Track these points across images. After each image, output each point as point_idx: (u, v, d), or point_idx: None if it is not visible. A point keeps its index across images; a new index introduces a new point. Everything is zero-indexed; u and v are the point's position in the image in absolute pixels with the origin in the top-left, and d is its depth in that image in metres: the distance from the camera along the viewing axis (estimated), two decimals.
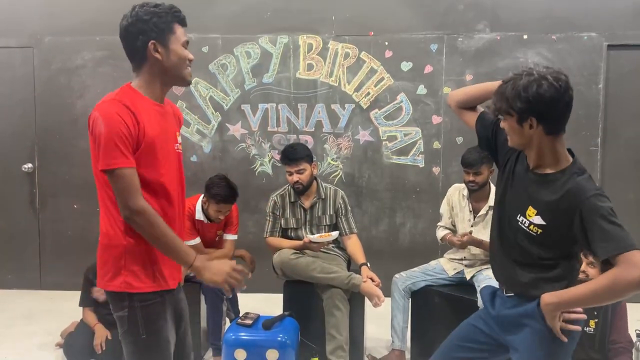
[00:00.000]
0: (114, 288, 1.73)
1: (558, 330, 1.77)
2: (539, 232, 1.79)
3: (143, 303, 1.72)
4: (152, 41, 1.72)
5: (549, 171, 1.81)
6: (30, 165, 4.71)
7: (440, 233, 3.39)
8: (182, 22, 1.79)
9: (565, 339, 1.78)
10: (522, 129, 1.75)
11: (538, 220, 1.79)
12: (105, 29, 4.51)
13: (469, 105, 2.16)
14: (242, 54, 4.55)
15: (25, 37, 4.64)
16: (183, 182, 1.91)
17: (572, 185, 1.73)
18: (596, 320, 2.72)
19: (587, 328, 2.72)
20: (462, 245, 3.15)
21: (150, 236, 1.66)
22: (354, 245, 3.34)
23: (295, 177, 3.23)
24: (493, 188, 3.21)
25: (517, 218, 1.85)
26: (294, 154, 3.24)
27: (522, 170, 1.88)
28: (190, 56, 1.80)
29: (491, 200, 3.18)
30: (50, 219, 4.71)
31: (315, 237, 3.14)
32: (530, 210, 1.81)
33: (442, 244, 3.46)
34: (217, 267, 1.75)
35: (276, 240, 3.33)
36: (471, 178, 3.15)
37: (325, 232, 3.32)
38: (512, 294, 1.92)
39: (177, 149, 1.89)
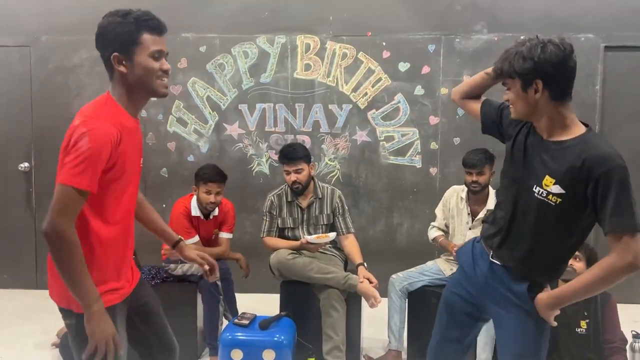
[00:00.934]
0: (62, 304, 1.69)
1: (551, 320, 1.82)
2: (558, 202, 1.73)
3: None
4: (114, 54, 1.64)
5: (564, 138, 1.75)
6: (26, 164, 4.70)
7: (433, 233, 3.40)
8: (154, 30, 1.66)
9: (556, 324, 1.85)
10: (527, 94, 1.72)
11: (557, 189, 1.72)
12: None
13: (472, 94, 2.14)
14: (240, 53, 4.55)
15: (22, 35, 4.63)
16: (136, 194, 1.85)
17: (594, 152, 1.67)
18: (587, 320, 2.73)
19: (579, 329, 2.72)
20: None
21: (64, 259, 1.55)
22: (351, 246, 3.34)
23: (293, 177, 3.23)
24: (492, 192, 3.22)
25: (533, 189, 1.78)
26: (292, 154, 3.25)
27: (535, 142, 1.83)
28: (165, 66, 1.68)
29: (489, 204, 3.19)
30: None
31: (313, 238, 3.14)
32: (548, 180, 1.74)
33: (436, 245, 3.45)
34: (103, 327, 1.61)
35: (273, 240, 3.33)
36: (474, 178, 3.15)
37: (322, 231, 3.32)
38: (507, 266, 1.89)
39: (141, 164, 1.85)
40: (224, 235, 3.47)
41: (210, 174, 3.34)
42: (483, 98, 2.12)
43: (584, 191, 1.69)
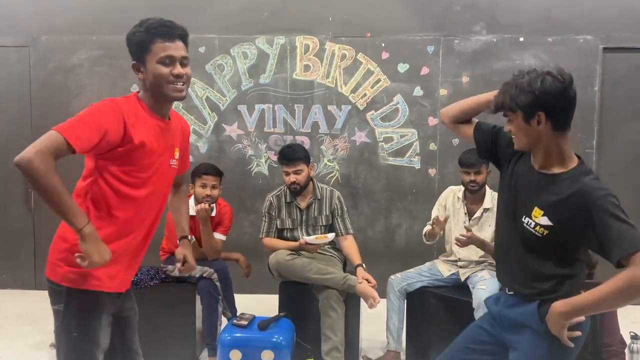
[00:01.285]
0: (55, 278, 1.74)
1: (565, 339, 1.73)
2: (545, 233, 1.75)
3: (80, 300, 1.72)
4: (133, 62, 1.76)
5: (555, 171, 1.77)
6: None
7: (424, 229, 3.35)
8: (165, 36, 1.71)
9: (572, 345, 1.74)
10: (530, 126, 1.73)
11: (545, 221, 1.75)
12: (102, 28, 4.52)
13: (463, 119, 2.13)
14: (239, 54, 4.55)
15: (22, 36, 4.63)
16: (166, 197, 1.92)
17: (580, 186, 1.69)
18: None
19: None
20: (465, 243, 2.99)
21: (39, 190, 1.56)
22: (349, 246, 3.34)
23: (292, 178, 3.23)
24: (488, 190, 3.23)
25: (522, 219, 1.81)
26: (292, 154, 3.24)
27: (525, 171, 1.85)
28: (176, 70, 1.73)
29: (486, 203, 3.20)
30: (45, 218, 4.69)
31: (311, 239, 3.14)
32: (536, 211, 1.77)
33: (429, 243, 3.39)
34: (99, 247, 1.63)
35: (272, 241, 3.33)
36: (472, 178, 3.15)
37: (321, 232, 3.32)
38: (513, 293, 1.90)
39: (173, 164, 1.89)
40: (218, 236, 3.47)
41: (205, 167, 3.39)
42: (475, 120, 2.11)
43: (575, 226, 1.70)
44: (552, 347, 1.77)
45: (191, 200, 3.38)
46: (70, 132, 1.57)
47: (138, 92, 1.81)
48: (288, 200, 3.33)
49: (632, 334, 2.79)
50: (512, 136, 1.81)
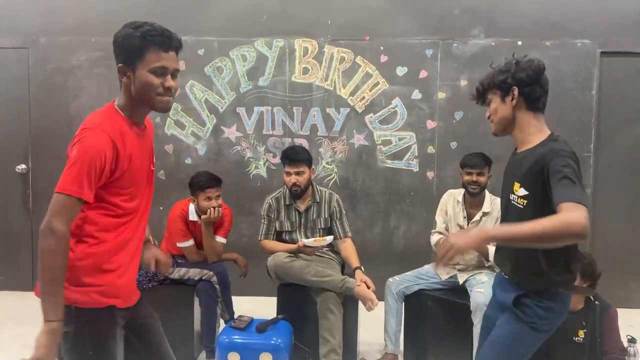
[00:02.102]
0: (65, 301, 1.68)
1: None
2: (524, 204, 1.88)
3: (91, 318, 1.67)
4: (119, 64, 1.68)
5: (531, 146, 1.93)
6: (24, 166, 4.70)
7: (434, 238, 3.38)
8: (161, 46, 1.65)
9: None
10: (505, 104, 1.93)
11: (522, 192, 1.89)
12: (100, 30, 4.52)
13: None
14: (238, 56, 4.56)
15: (21, 37, 4.64)
16: (151, 197, 1.87)
17: (545, 150, 1.84)
18: (585, 330, 2.73)
19: (577, 338, 2.73)
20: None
21: (45, 264, 1.56)
22: (348, 249, 3.35)
23: (294, 179, 3.23)
24: (488, 195, 3.24)
25: (510, 199, 1.96)
26: (295, 155, 3.26)
27: (511, 158, 2.05)
28: (167, 83, 1.67)
29: (485, 207, 3.20)
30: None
31: (310, 241, 3.15)
32: (516, 186, 1.92)
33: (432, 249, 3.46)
34: (54, 346, 1.57)
35: (270, 243, 3.33)
36: (474, 178, 3.17)
37: (319, 235, 3.33)
38: (507, 277, 2.03)
39: (153, 168, 1.87)
40: (219, 239, 3.47)
41: (206, 181, 3.32)
42: None
43: (542, 187, 1.82)
44: (520, 331, 1.92)
45: (191, 206, 3.39)
46: (70, 188, 1.57)
47: (114, 100, 1.75)
48: (287, 202, 3.34)
49: (629, 337, 2.79)
50: (491, 122, 2.01)
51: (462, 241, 1.71)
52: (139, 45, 1.63)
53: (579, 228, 1.59)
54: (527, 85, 1.90)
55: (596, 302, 2.75)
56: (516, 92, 1.90)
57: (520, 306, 1.93)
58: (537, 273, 1.90)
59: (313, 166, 3.39)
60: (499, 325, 2.00)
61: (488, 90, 1.98)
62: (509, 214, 1.98)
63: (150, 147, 1.86)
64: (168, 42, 1.66)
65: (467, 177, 3.21)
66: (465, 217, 3.27)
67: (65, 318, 1.63)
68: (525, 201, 1.88)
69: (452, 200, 3.36)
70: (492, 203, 3.19)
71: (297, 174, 3.24)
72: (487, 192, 3.24)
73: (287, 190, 3.33)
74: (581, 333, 2.72)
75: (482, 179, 3.17)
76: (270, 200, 3.37)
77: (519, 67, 1.91)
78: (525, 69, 1.91)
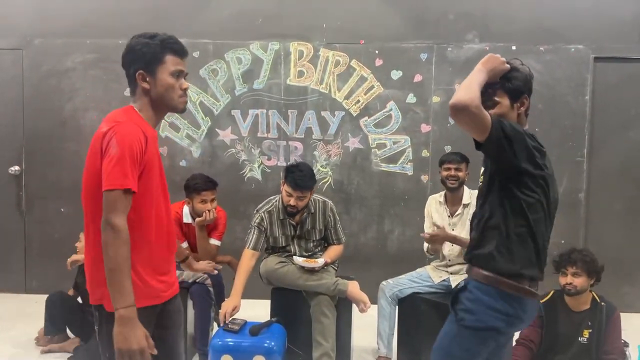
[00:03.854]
0: (93, 301, 1.75)
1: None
2: (481, 179, 1.91)
3: (111, 321, 1.66)
4: (139, 71, 1.76)
5: None
6: (17, 167, 4.67)
7: (426, 244, 3.40)
8: (177, 52, 1.80)
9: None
10: (513, 110, 1.88)
11: (482, 171, 1.93)
12: (96, 32, 4.51)
13: None
14: (233, 59, 4.56)
15: (15, 38, 4.62)
16: (166, 188, 1.92)
17: None
18: (590, 330, 2.74)
19: (581, 338, 2.74)
20: (434, 240, 3.10)
21: (109, 256, 1.61)
22: (331, 248, 3.33)
23: (294, 202, 3.10)
24: (466, 189, 3.35)
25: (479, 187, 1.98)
26: (303, 183, 3.08)
27: None
28: (184, 85, 1.82)
29: (465, 199, 3.32)
30: (36, 222, 4.67)
31: (301, 261, 3.12)
32: (482, 171, 1.94)
33: (432, 257, 3.47)
34: (132, 333, 1.60)
35: (244, 262, 3.14)
36: (452, 173, 3.27)
37: (313, 245, 3.30)
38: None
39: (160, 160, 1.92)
40: (213, 241, 3.46)
41: (202, 183, 3.33)
42: None
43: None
44: (453, 329, 1.89)
45: (185, 208, 3.39)
46: (115, 182, 1.63)
47: (132, 105, 1.82)
48: (281, 217, 3.22)
49: (622, 341, 2.81)
50: None
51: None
52: (159, 51, 1.77)
53: (460, 106, 1.67)
54: (530, 95, 1.91)
55: (602, 304, 2.77)
56: (527, 101, 1.88)
57: (455, 304, 1.90)
58: (482, 256, 1.85)
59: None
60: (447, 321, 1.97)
61: (498, 90, 1.86)
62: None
63: (159, 152, 1.92)
64: (183, 49, 1.83)
65: (445, 173, 3.31)
66: (449, 216, 3.33)
67: (95, 315, 1.71)
68: (482, 176, 1.92)
69: (434, 203, 3.45)
70: (471, 196, 3.30)
71: (299, 198, 3.11)
72: (465, 187, 3.34)
73: (280, 203, 3.21)
74: (586, 333, 2.74)
75: (460, 174, 3.28)
76: (263, 214, 3.21)
77: (530, 77, 1.89)
78: (530, 79, 1.90)
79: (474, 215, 1.96)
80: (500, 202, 1.82)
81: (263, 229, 3.21)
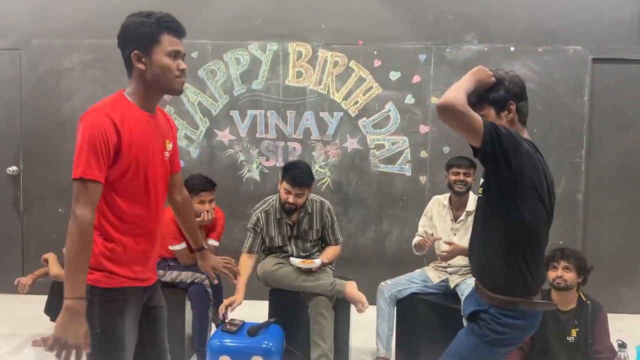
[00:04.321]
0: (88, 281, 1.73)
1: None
2: (481, 192, 1.94)
3: (103, 297, 1.72)
4: (134, 51, 1.72)
5: None
6: (15, 167, 4.67)
7: (414, 242, 3.41)
8: (174, 32, 1.75)
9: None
10: (501, 118, 1.88)
11: (482, 182, 1.95)
12: (94, 32, 4.51)
13: None
14: (232, 60, 4.56)
15: (13, 38, 4.61)
16: (166, 188, 1.91)
17: None
18: (577, 329, 2.75)
19: (570, 337, 2.75)
20: (448, 257, 3.13)
21: (67, 245, 1.61)
22: (329, 249, 3.33)
23: (292, 199, 3.12)
24: (472, 195, 3.30)
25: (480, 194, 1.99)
26: (302, 180, 3.11)
27: None
28: (182, 65, 1.77)
29: (469, 206, 3.26)
30: (34, 222, 4.66)
31: (297, 262, 3.13)
32: (482, 183, 1.96)
33: (419, 254, 3.46)
34: (74, 325, 1.58)
35: (245, 265, 3.20)
36: (461, 178, 3.24)
37: (310, 245, 3.30)
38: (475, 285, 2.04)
39: (166, 157, 1.88)
40: (212, 242, 3.46)
41: (200, 184, 3.32)
42: None
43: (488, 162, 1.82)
44: (473, 341, 1.90)
45: None
46: (81, 171, 1.62)
47: (123, 89, 1.79)
48: (278, 216, 3.23)
49: (619, 342, 2.80)
50: None
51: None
52: (155, 30, 1.71)
53: (447, 105, 1.71)
54: (520, 100, 1.89)
55: (588, 302, 2.78)
56: (514, 107, 1.87)
57: (476, 320, 1.91)
58: (497, 281, 1.88)
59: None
60: (457, 335, 2.00)
61: (480, 106, 1.89)
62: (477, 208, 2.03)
63: (164, 135, 1.87)
64: (180, 28, 1.77)
65: (453, 177, 3.28)
66: (452, 220, 3.32)
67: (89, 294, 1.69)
68: (481, 189, 1.94)
69: (437, 205, 3.42)
70: (475, 202, 3.23)
71: (297, 195, 3.13)
72: (471, 192, 3.31)
73: (277, 203, 3.23)
74: (574, 332, 2.74)
75: (469, 179, 3.26)
76: (259, 214, 3.24)
77: (512, 80, 1.89)
78: (517, 83, 1.89)
79: (476, 234, 1.98)
80: (504, 222, 1.84)
81: (259, 230, 3.23)
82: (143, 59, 1.72)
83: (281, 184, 3.18)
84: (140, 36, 1.71)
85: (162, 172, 1.86)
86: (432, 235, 3.36)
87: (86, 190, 1.62)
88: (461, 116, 1.69)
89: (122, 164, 1.70)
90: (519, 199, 1.81)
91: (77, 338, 1.58)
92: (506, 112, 1.87)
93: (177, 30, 1.76)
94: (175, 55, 1.75)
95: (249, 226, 3.27)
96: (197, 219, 3.29)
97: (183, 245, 3.35)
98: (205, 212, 3.28)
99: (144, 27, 1.71)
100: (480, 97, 1.89)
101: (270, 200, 3.29)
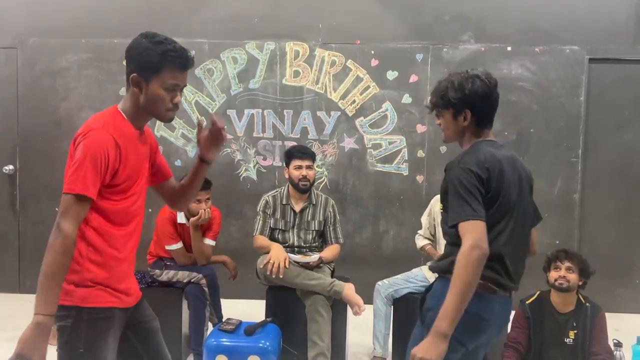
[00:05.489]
0: (63, 301, 1.66)
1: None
2: (442, 210, 1.92)
3: (90, 316, 1.68)
4: (134, 74, 1.70)
5: None
6: (11, 166, 4.65)
7: (420, 242, 3.44)
8: (178, 67, 1.71)
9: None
10: (457, 121, 1.92)
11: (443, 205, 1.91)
12: (91, 31, 4.49)
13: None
14: (229, 59, 4.56)
15: (9, 37, 4.60)
16: (144, 200, 1.89)
17: (450, 161, 1.88)
18: (575, 331, 2.75)
19: (567, 339, 2.75)
20: None
21: (47, 259, 1.57)
22: (329, 248, 3.36)
23: (305, 172, 3.26)
24: None
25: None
26: (305, 149, 3.38)
27: None
28: (176, 99, 1.73)
29: None
30: (30, 221, 4.64)
31: (297, 258, 3.14)
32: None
33: (422, 253, 3.49)
34: (41, 342, 1.55)
35: (264, 241, 3.27)
36: None
37: (311, 237, 3.33)
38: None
39: (149, 171, 1.89)
40: (208, 241, 3.46)
41: None
42: None
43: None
44: (421, 332, 1.85)
45: (180, 213, 3.38)
46: (74, 187, 1.60)
47: (116, 105, 1.78)
48: (284, 202, 3.34)
49: (615, 341, 2.82)
50: (442, 130, 2.00)
51: (433, 354, 1.66)
52: (158, 62, 1.68)
53: (472, 258, 1.65)
54: (479, 107, 1.88)
55: (587, 304, 2.78)
56: (469, 115, 1.88)
57: (422, 309, 1.92)
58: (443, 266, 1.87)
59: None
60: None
61: (440, 107, 1.95)
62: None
63: (148, 151, 1.87)
64: (185, 63, 1.73)
65: None
66: None
67: (64, 314, 1.66)
68: (442, 209, 1.92)
69: (439, 204, 3.39)
70: None
71: (308, 167, 3.28)
72: None
73: (286, 190, 3.36)
74: (572, 334, 2.74)
75: None
76: (268, 198, 3.38)
77: (473, 90, 1.86)
78: (480, 93, 1.86)
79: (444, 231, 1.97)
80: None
81: (268, 213, 3.34)
82: (140, 84, 1.70)
83: (288, 168, 3.33)
84: (142, 61, 1.68)
85: (143, 185, 1.85)
86: (433, 236, 3.39)
87: (77, 206, 1.60)
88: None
89: (117, 181, 1.68)
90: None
91: (42, 357, 1.54)
92: (462, 118, 1.90)
93: (182, 66, 1.72)
94: (174, 89, 1.73)
95: (258, 209, 3.38)
96: (193, 219, 3.29)
97: (180, 244, 3.35)
98: (201, 211, 3.28)
99: (148, 54, 1.68)
100: (440, 99, 1.93)
101: (278, 189, 3.44)
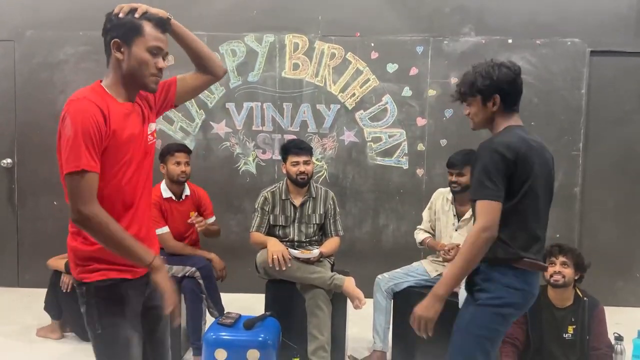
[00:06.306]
0: (77, 277, 1.70)
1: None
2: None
3: (100, 295, 1.67)
4: (115, 39, 1.66)
5: None
6: (9, 160, 4.63)
7: (420, 236, 3.42)
8: (159, 26, 1.70)
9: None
10: (486, 107, 2.04)
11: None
12: (88, 24, 4.44)
13: None
14: (228, 51, 4.53)
15: (6, 30, 4.56)
16: (151, 176, 1.84)
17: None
18: (574, 326, 2.75)
19: (566, 334, 2.75)
20: (450, 259, 3.08)
21: (102, 239, 1.59)
22: (329, 241, 3.35)
23: (302, 167, 3.24)
24: None
25: None
26: (302, 144, 3.32)
27: None
28: (160, 64, 1.70)
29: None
30: (29, 215, 4.63)
31: (297, 253, 3.12)
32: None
33: (422, 247, 3.48)
34: (161, 280, 1.67)
35: (261, 237, 3.26)
36: (453, 179, 3.18)
37: (312, 230, 3.32)
38: None
39: (150, 141, 1.82)
40: (210, 220, 3.52)
41: (175, 145, 3.44)
42: None
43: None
44: (471, 310, 2.01)
45: (162, 184, 3.39)
46: (76, 164, 1.55)
47: (100, 80, 1.74)
48: (283, 197, 3.32)
49: (615, 334, 2.81)
50: (470, 118, 2.13)
51: (429, 312, 1.97)
52: (139, 24, 1.66)
53: (480, 240, 1.86)
54: (507, 92, 2.02)
55: (585, 298, 2.77)
56: (498, 99, 2.01)
57: (470, 287, 2.03)
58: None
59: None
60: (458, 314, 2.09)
61: (469, 95, 2.08)
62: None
63: (146, 119, 1.80)
64: (165, 23, 1.73)
65: (449, 177, 3.22)
66: (455, 215, 3.28)
67: (81, 298, 1.68)
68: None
69: (441, 198, 3.37)
70: None
71: (306, 162, 3.25)
72: None
73: (284, 185, 3.33)
74: (570, 329, 2.74)
75: (462, 179, 3.14)
76: (266, 194, 3.34)
77: (500, 74, 2.01)
78: (506, 75, 2.01)
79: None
80: None
81: (267, 209, 3.31)
82: (122, 49, 1.67)
83: (286, 163, 3.30)
84: (123, 24, 1.66)
85: (147, 157, 1.80)
86: (434, 229, 3.39)
87: (87, 183, 1.55)
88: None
89: (109, 154, 1.63)
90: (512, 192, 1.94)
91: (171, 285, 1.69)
92: (491, 103, 2.03)
93: (162, 25, 1.71)
94: (157, 52, 1.70)
95: (256, 206, 3.34)
96: (188, 220, 3.30)
97: (166, 228, 3.31)
98: (196, 223, 3.30)
99: (128, 19, 1.66)
100: (469, 88, 2.07)
101: (277, 184, 3.40)
